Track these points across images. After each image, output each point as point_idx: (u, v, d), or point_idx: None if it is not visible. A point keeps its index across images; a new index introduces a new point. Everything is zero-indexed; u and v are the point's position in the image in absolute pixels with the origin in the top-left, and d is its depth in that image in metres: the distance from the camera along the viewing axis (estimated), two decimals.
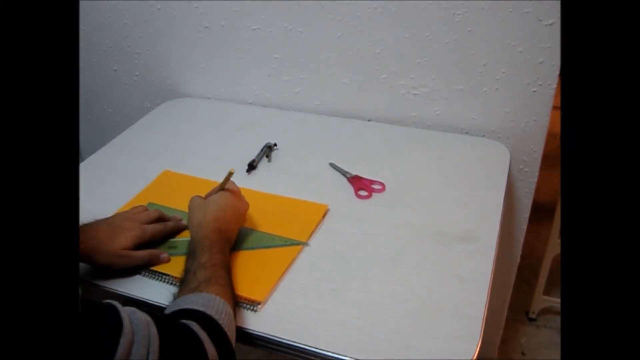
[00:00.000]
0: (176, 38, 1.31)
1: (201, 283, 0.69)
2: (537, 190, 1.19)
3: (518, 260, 1.32)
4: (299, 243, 0.86)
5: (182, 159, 1.11)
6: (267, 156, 1.10)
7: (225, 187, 0.85)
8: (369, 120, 1.23)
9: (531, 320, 1.69)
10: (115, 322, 0.54)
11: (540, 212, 1.23)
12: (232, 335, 0.66)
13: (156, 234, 0.85)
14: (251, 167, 1.06)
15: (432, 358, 0.67)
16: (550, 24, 1.00)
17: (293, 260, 0.83)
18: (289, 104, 1.28)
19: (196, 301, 0.66)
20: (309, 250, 0.85)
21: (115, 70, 1.44)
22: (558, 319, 1.70)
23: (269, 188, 1.00)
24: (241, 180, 1.02)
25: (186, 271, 0.72)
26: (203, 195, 0.85)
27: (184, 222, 0.90)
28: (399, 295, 0.77)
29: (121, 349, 0.52)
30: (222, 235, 0.78)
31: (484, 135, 1.15)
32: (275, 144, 1.12)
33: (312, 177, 1.04)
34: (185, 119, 1.28)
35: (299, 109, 1.27)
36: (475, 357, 0.67)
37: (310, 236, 0.88)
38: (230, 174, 0.85)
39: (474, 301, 0.75)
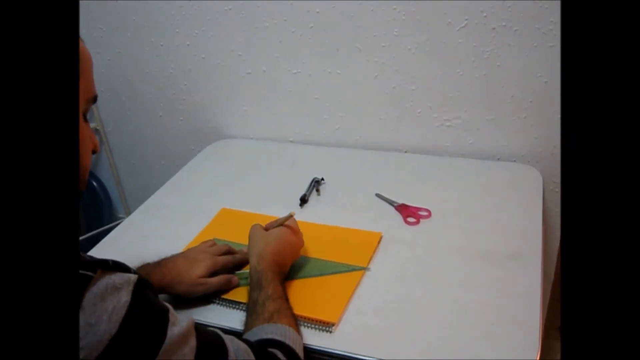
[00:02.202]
0: (220, 84, 1.41)
1: (273, 314, 0.76)
2: None
3: (552, 277, 1.38)
4: (360, 268, 0.94)
5: (236, 196, 1.20)
6: (316, 190, 1.18)
7: (285, 223, 0.93)
8: (405, 152, 1.32)
9: None
10: (222, 348, 0.62)
11: None
12: None
13: (226, 264, 0.93)
14: (303, 201, 1.14)
15: None
16: None
17: (357, 284, 0.90)
18: (329, 140, 1.37)
19: (275, 332, 0.73)
20: (370, 275, 0.93)
21: (161, 116, 1.54)
22: None
23: (322, 219, 1.08)
24: (295, 214, 1.10)
25: (254, 301, 0.79)
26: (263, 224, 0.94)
27: None
28: (458, 310, 0.84)
29: None
30: (279, 268, 0.86)
31: (515, 161, 1.24)
32: (322, 179, 1.21)
33: (362, 207, 1.12)
34: (233, 159, 1.37)
35: (339, 144, 1.36)
36: None
37: (369, 261, 0.95)
38: (291, 215, 0.93)
39: (529, 312, 0.82)
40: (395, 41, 1.19)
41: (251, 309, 0.78)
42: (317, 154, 1.35)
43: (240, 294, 0.90)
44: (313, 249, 0.98)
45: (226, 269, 0.93)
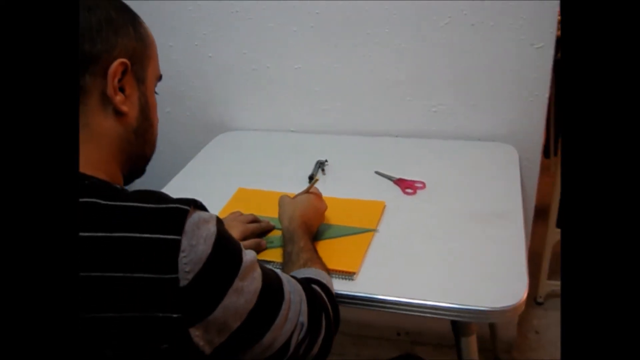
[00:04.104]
0: (226, 80, 1.55)
1: (307, 261, 0.91)
2: None
3: (528, 245, 1.56)
4: (370, 230, 1.09)
5: (249, 178, 1.33)
6: (322, 170, 1.33)
7: (310, 190, 1.08)
8: (396, 137, 1.48)
9: (539, 304, 1.94)
10: (278, 277, 0.75)
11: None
12: None
13: (255, 231, 1.08)
14: (311, 179, 1.29)
15: (496, 297, 0.90)
16: (541, 47, 1.28)
17: (370, 242, 1.06)
18: (327, 129, 1.52)
19: (310, 273, 0.87)
20: (379, 235, 1.08)
21: (168, 111, 1.66)
22: None
23: (330, 194, 1.22)
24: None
25: (289, 253, 0.93)
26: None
27: (272, 223, 1.12)
28: (458, 257, 0.99)
29: (286, 296, 0.73)
30: (307, 228, 1.00)
31: (494, 140, 1.41)
32: (326, 160, 1.36)
33: (364, 182, 1.27)
34: (241, 148, 1.51)
35: (337, 132, 1.52)
36: (526, 294, 0.90)
37: (377, 224, 1.11)
38: (316, 180, 1.08)
39: (517, 257, 0.98)
40: (387, 37, 1.36)
41: (287, 261, 0.93)
42: (318, 141, 1.49)
43: (267, 255, 1.05)
44: (329, 217, 1.13)
45: (254, 234, 1.08)
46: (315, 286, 0.83)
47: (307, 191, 1.08)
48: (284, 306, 0.71)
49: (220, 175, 1.38)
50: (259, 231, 1.09)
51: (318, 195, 1.08)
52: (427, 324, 1.78)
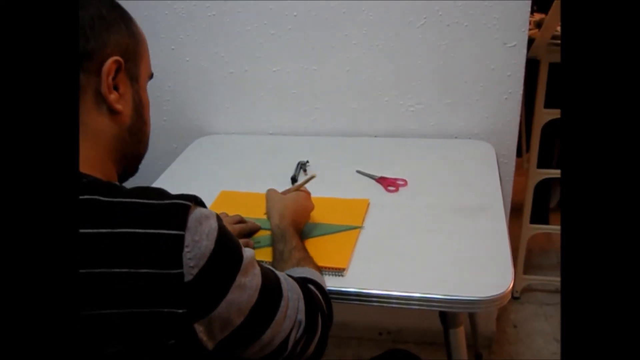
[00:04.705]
0: (203, 85, 1.54)
1: (300, 260, 0.91)
2: None
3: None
4: (357, 227, 1.10)
5: (231, 181, 1.33)
6: (304, 170, 1.34)
7: (300, 188, 1.08)
8: (375, 137, 1.50)
9: (516, 298, 1.98)
10: (275, 275, 0.75)
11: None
12: None
13: (242, 232, 1.08)
14: (294, 180, 1.30)
15: (484, 287, 0.92)
16: (514, 46, 1.32)
17: (357, 239, 1.07)
18: (306, 130, 1.53)
19: (305, 273, 0.88)
20: (365, 232, 1.09)
21: None
22: (538, 294, 1.99)
23: (314, 194, 1.22)
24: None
25: (281, 252, 0.93)
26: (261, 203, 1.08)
27: (258, 224, 1.12)
28: (444, 251, 1.01)
29: (285, 294, 0.74)
30: (297, 226, 1.01)
31: (470, 138, 1.44)
32: (307, 161, 1.37)
33: (346, 182, 1.29)
34: (220, 151, 1.51)
35: (316, 134, 1.53)
36: (512, 283, 0.93)
37: (363, 221, 1.12)
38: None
39: (501, 248, 1.01)
40: (364, 39, 1.38)
41: (279, 259, 0.92)
42: (298, 143, 1.50)
43: (257, 255, 1.04)
44: (314, 216, 1.13)
45: (242, 235, 1.07)
46: (310, 286, 0.83)
47: (297, 188, 1.09)
48: (283, 303, 0.71)
49: (201, 180, 1.37)
50: (246, 232, 1.09)
51: (307, 193, 1.09)
52: (408, 322, 1.80)
